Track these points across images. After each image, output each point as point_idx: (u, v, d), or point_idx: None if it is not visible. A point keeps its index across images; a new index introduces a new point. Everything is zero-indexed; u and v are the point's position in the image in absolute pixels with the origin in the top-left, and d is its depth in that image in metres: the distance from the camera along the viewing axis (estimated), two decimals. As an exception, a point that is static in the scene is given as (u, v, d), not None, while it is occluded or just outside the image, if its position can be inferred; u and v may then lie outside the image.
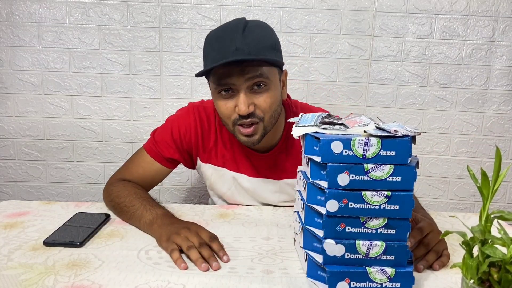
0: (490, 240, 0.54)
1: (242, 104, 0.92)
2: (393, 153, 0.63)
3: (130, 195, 0.97)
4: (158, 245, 0.82)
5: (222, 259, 0.76)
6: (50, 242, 0.80)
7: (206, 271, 0.72)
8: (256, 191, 1.10)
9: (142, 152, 1.10)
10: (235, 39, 0.90)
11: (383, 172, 0.63)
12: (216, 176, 1.11)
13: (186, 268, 0.73)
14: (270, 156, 1.08)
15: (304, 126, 0.71)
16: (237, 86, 0.92)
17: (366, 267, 0.65)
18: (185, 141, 1.08)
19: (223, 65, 0.89)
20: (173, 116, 1.13)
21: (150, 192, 1.05)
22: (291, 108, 1.11)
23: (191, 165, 1.14)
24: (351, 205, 0.64)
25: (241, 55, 0.88)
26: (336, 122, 0.72)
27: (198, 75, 0.94)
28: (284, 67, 1.04)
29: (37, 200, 1.55)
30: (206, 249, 0.76)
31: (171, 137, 1.08)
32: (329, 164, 0.64)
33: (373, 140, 0.63)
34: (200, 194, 1.76)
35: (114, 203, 0.99)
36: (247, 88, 0.93)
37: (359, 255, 0.65)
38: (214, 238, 0.80)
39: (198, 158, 1.11)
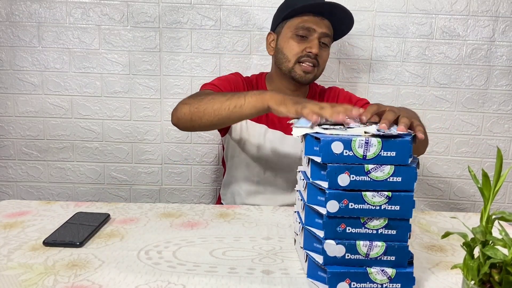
0: (491, 241, 0.54)
1: (316, 46, 1.16)
2: (393, 154, 0.63)
3: (215, 93, 1.05)
4: (276, 108, 0.85)
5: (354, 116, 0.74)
6: (50, 242, 0.80)
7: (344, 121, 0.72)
8: (281, 147, 1.24)
9: (203, 89, 1.17)
10: None
11: (383, 172, 0.63)
12: (250, 132, 1.25)
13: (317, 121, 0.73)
14: None
15: (302, 127, 0.71)
16: (315, 30, 1.16)
17: (367, 268, 0.65)
18: (236, 89, 1.22)
19: (311, 11, 1.15)
20: (222, 76, 1.27)
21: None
22: (313, 83, 1.34)
23: None
24: (351, 205, 0.64)
25: (335, 5, 1.15)
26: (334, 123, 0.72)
27: (288, 15, 1.18)
28: None
29: (37, 200, 1.55)
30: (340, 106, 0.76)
31: (228, 80, 1.22)
32: (329, 164, 0.64)
33: (374, 141, 0.63)
34: (200, 194, 1.76)
35: (199, 101, 0.99)
36: (320, 37, 1.17)
37: (360, 256, 0.65)
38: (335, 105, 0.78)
39: None
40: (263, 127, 1.25)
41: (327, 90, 1.35)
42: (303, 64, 1.18)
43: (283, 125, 1.25)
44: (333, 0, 1.19)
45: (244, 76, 1.32)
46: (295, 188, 0.82)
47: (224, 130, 1.30)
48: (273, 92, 0.90)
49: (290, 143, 1.25)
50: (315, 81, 1.32)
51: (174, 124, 1.08)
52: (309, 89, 1.32)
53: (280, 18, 1.23)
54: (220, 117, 0.96)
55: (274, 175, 1.25)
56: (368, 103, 1.27)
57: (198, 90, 1.17)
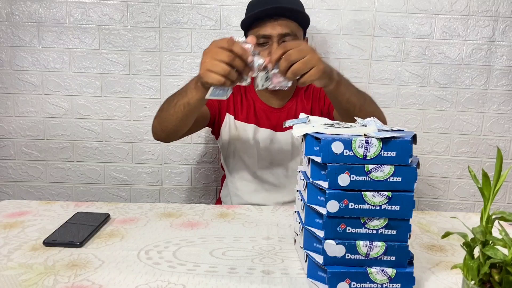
0: (491, 241, 0.54)
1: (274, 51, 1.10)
2: (393, 154, 0.63)
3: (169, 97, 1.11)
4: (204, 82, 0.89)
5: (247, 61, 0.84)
6: (50, 242, 0.80)
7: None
8: (272, 145, 1.26)
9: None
10: None
11: (383, 172, 0.63)
12: (240, 132, 1.26)
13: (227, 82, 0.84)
14: (283, 110, 1.27)
15: (301, 123, 0.72)
16: (272, 36, 1.15)
17: (367, 268, 0.65)
18: None
19: (262, 17, 1.14)
20: None
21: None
22: None
23: (218, 119, 1.28)
24: (351, 205, 0.64)
25: (280, 3, 1.13)
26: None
27: (243, 25, 1.20)
28: None
29: (37, 200, 1.55)
30: (238, 61, 0.84)
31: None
32: (329, 164, 0.64)
33: (374, 141, 0.63)
34: (200, 194, 1.76)
35: (159, 115, 1.11)
36: (279, 40, 1.15)
37: (360, 256, 0.65)
38: (232, 41, 0.85)
39: (227, 114, 1.28)
40: (252, 126, 1.26)
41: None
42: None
43: (272, 123, 1.27)
44: (283, 2, 1.17)
45: None
46: (295, 187, 0.82)
47: (216, 134, 1.32)
48: (199, 78, 0.92)
49: (281, 139, 1.26)
50: None
51: (157, 140, 1.17)
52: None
53: (245, 30, 1.25)
54: (179, 119, 1.04)
55: (268, 172, 1.26)
56: None
57: None
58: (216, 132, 1.32)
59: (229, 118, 1.28)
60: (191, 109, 1.01)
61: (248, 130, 1.26)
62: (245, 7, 1.67)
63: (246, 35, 1.26)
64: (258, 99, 1.29)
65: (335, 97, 0.99)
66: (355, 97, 0.99)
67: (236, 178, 1.30)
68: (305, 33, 1.27)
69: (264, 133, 1.26)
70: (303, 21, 1.22)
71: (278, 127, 1.27)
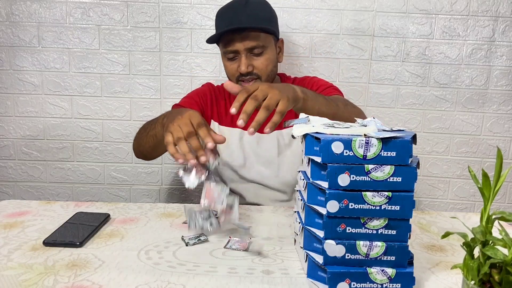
0: (491, 241, 0.54)
1: (243, 65, 1.16)
2: (393, 154, 0.63)
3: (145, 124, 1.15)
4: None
5: (207, 145, 0.81)
6: (50, 242, 0.80)
7: (192, 164, 0.80)
8: (258, 147, 1.25)
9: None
10: (237, 12, 1.15)
11: (383, 172, 0.63)
12: (226, 136, 1.22)
13: (180, 160, 0.80)
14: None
15: (301, 123, 0.72)
16: (239, 51, 1.16)
17: (367, 268, 0.65)
18: (202, 100, 1.28)
19: (228, 32, 1.14)
20: (193, 90, 1.34)
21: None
22: (286, 77, 1.36)
23: None
24: (351, 205, 0.64)
25: (241, 24, 1.13)
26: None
27: (209, 41, 1.20)
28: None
29: (37, 200, 1.55)
30: (193, 140, 0.82)
31: (192, 97, 1.28)
32: (329, 164, 0.64)
33: (374, 141, 0.63)
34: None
35: (137, 137, 1.17)
36: (247, 52, 1.16)
37: (360, 256, 0.65)
38: (201, 124, 0.84)
39: (212, 121, 1.29)
40: (237, 130, 1.26)
41: (300, 80, 1.34)
42: (243, 83, 1.19)
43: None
44: (246, 19, 1.14)
45: (217, 85, 1.35)
46: (295, 188, 0.82)
47: None
48: (170, 114, 0.96)
49: (267, 140, 1.25)
50: (286, 74, 1.37)
51: (138, 158, 1.26)
52: (280, 81, 1.33)
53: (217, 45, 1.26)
54: (151, 147, 1.10)
55: (255, 172, 1.25)
56: (331, 86, 1.25)
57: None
58: None
59: (214, 125, 1.28)
60: (158, 142, 1.04)
61: (233, 134, 1.26)
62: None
63: (218, 44, 1.25)
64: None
65: (305, 112, 0.97)
66: (325, 107, 0.96)
67: (227, 181, 1.29)
68: (277, 36, 1.24)
69: (250, 136, 1.25)
70: (269, 22, 1.20)
71: (262, 128, 1.25)
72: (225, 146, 1.25)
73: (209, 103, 1.29)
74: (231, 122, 1.27)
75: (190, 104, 1.25)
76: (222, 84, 1.31)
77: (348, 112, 1.03)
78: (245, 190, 1.27)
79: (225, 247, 0.81)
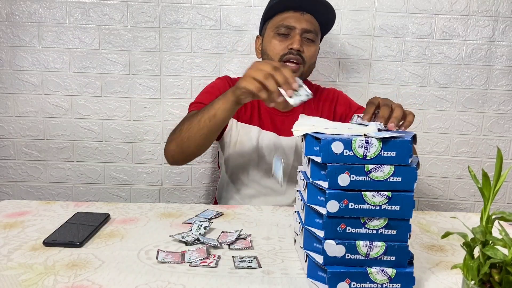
0: (491, 241, 0.54)
1: (296, 42, 1.14)
2: (393, 154, 0.63)
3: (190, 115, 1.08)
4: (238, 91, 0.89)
5: (292, 86, 0.83)
6: (50, 242, 0.80)
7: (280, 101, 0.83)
8: (275, 146, 1.24)
9: (190, 111, 1.21)
10: None
11: (383, 172, 0.63)
12: (244, 134, 1.24)
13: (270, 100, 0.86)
14: (289, 114, 1.25)
15: (302, 126, 0.72)
16: (295, 28, 1.14)
17: (367, 268, 0.65)
18: (221, 92, 1.20)
19: (292, 6, 1.14)
20: (207, 86, 1.30)
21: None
22: (308, 83, 1.33)
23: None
24: (351, 205, 0.64)
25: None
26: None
27: (269, 9, 1.18)
28: None
29: (37, 200, 1.55)
30: (279, 73, 0.84)
31: (211, 92, 1.23)
32: (329, 164, 0.64)
33: (374, 141, 0.63)
34: (200, 194, 1.76)
35: (179, 132, 1.06)
36: (302, 34, 1.15)
37: (360, 256, 0.65)
38: (284, 65, 0.87)
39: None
40: (256, 128, 1.24)
41: (325, 91, 1.34)
42: (288, 63, 1.16)
43: (277, 127, 1.25)
44: None
45: (234, 77, 1.32)
46: (295, 189, 0.82)
47: (219, 135, 1.29)
48: (232, 88, 0.94)
49: (284, 144, 1.24)
50: (309, 79, 1.32)
51: (172, 164, 1.16)
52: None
53: (263, 20, 1.24)
54: (204, 135, 1.02)
55: (267, 177, 1.25)
56: (361, 108, 1.27)
57: (187, 112, 1.20)
58: (218, 135, 1.29)
59: (232, 122, 1.26)
60: (216, 122, 0.99)
61: (251, 132, 1.24)
62: (246, 7, 1.67)
63: (263, 27, 1.25)
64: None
65: None
66: None
67: (235, 181, 1.29)
68: (320, 39, 1.26)
69: (267, 136, 1.24)
70: (325, 24, 1.23)
71: (282, 131, 1.25)
72: (242, 143, 1.25)
73: None
74: (249, 119, 1.25)
75: (210, 99, 1.20)
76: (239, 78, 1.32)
77: None
78: (253, 196, 1.27)
79: (230, 248, 0.81)
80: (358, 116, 0.84)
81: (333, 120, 1.27)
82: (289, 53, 1.15)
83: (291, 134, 1.23)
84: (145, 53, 1.64)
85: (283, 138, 1.24)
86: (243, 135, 1.25)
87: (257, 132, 1.24)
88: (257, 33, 1.31)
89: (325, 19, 1.22)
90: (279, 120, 1.26)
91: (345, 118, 1.27)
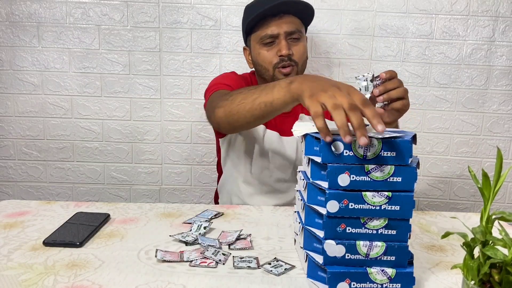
0: (491, 241, 0.54)
1: (284, 47, 1.14)
2: (393, 154, 0.63)
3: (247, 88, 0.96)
4: (306, 101, 0.71)
5: (376, 128, 0.61)
6: (50, 242, 0.80)
7: (349, 142, 0.61)
8: (277, 148, 1.24)
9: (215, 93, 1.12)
10: None
11: (383, 172, 0.63)
12: (248, 133, 1.23)
13: (331, 141, 0.63)
14: (290, 114, 1.22)
15: (304, 123, 0.72)
16: (279, 34, 1.15)
17: (367, 268, 0.65)
18: (237, 84, 1.19)
19: (268, 16, 1.13)
20: (220, 75, 1.27)
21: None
22: None
23: None
24: (351, 205, 0.64)
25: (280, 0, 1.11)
26: None
27: (248, 24, 1.17)
28: None
29: (37, 200, 1.55)
30: (357, 114, 0.63)
31: (232, 78, 1.23)
32: (329, 164, 0.64)
33: (374, 141, 0.63)
34: (200, 194, 1.76)
35: (231, 102, 0.96)
36: (286, 37, 1.15)
37: (360, 256, 0.65)
38: (367, 103, 0.65)
39: None
40: (261, 127, 1.24)
41: None
42: (282, 69, 1.16)
43: (278, 126, 1.25)
44: None
45: (238, 74, 1.32)
46: (294, 188, 0.82)
47: (222, 133, 1.28)
48: (299, 81, 0.78)
49: (286, 145, 1.24)
50: None
51: (216, 129, 1.16)
52: None
53: (245, 34, 1.24)
54: (255, 116, 0.93)
55: (269, 175, 1.25)
56: None
57: (212, 94, 1.13)
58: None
59: None
60: (271, 111, 0.90)
61: (257, 130, 1.24)
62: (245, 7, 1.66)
63: (247, 39, 1.25)
64: None
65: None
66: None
67: (236, 179, 1.29)
68: (306, 30, 1.26)
69: (271, 135, 1.24)
70: (306, 17, 1.22)
71: (283, 131, 1.25)
72: (249, 142, 1.25)
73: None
74: None
75: (234, 83, 1.18)
76: (245, 74, 1.32)
77: None
78: (253, 194, 1.27)
79: (230, 248, 0.81)
80: (373, 77, 0.89)
81: None
82: (281, 61, 1.16)
83: (291, 134, 1.23)
84: (145, 53, 1.64)
85: (284, 138, 1.25)
86: (249, 133, 1.25)
87: (263, 130, 1.24)
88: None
89: (304, 15, 1.21)
90: (281, 120, 1.26)
91: None
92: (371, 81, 0.87)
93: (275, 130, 1.25)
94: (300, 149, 1.25)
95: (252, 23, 1.17)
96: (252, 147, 1.25)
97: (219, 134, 1.31)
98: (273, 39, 1.16)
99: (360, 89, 0.85)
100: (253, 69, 1.27)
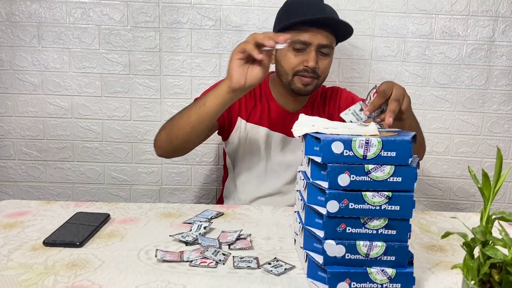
0: (491, 241, 0.54)
1: (312, 60, 1.13)
2: (393, 154, 0.63)
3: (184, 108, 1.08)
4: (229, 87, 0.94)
5: (267, 44, 0.86)
6: (50, 242, 0.80)
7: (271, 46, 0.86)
8: (283, 149, 1.25)
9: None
10: (319, 3, 1.17)
11: (383, 172, 0.63)
12: (253, 135, 1.25)
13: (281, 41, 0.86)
14: (298, 115, 1.20)
15: (308, 122, 0.72)
16: (311, 44, 1.13)
17: (367, 268, 0.65)
18: None
19: (308, 22, 1.11)
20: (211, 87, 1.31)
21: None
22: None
23: (228, 128, 1.25)
24: (351, 205, 0.64)
25: (332, 15, 1.14)
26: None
27: (282, 28, 1.15)
28: None
29: (37, 200, 1.55)
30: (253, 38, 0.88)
31: (210, 89, 1.20)
32: (329, 164, 0.64)
33: (374, 141, 0.63)
34: (200, 194, 1.76)
35: (170, 121, 1.09)
36: (317, 49, 1.14)
37: (360, 256, 0.65)
38: (261, 36, 0.88)
39: (239, 118, 1.25)
40: (265, 130, 1.25)
41: (329, 90, 1.35)
42: (302, 77, 1.16)
43: (287, 128, 1.24)
44: (329, 13, 1.16)
45: None
46: (295, 189, 0.82)
47: (225, 135, 1.28)
48: (226, 80, 0.96)
49: (294, 145, 1.25)
50: None
51: (160, 156, 1.17)
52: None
53: (277, 29, 1.21)
54: (192, 124, 1.03)
55: (276, 177, 1.25)
56: None
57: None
58: (225, 135, 1.29)
59: (240, 122, 1.25)
60: (206, 111, 1.00)
61: (260, 132, 1.24)
62: (246, 7, 1.66)
63: (278, 30, 1.21)
64: (274, 102, 1.27)
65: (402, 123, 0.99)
66: (416, 127, 1.01)
67: (242, 182, 1.28)
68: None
69: (276, 137, 1.25)
70: (342, 36, 1.23)
71: (291, 132, 1.25)
72: (251, 144, 1.25)
73: (237, 100, 1.25)
74: (259, 120, 1.25)
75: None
76: None
77: (421, 142, 1.08)
78: (260, 196, 1.27)
79: (230, 248, 0.81)
80: (365, 103, 0.85)
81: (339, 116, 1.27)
82: (304, 70, 1.14)
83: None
84: (145, 53, 1.64)
85: (291, 139, 1.25)
86: (252, 136, 1.25)
87: (266, 133, 1.24)
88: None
89: (341, 33, 1.21)
90: (289, 121, 1.24)
91: None
92: (360, 110, 0.86)
93: (282, 132, 1.25)
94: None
95: (290, 24, 1.15)
96: (256, 150, 1.25)
97: (223, 135, 1.30)
98: (304, 47, 1.14)
99: (351, 121, 0.84)
100: (272, 63, 1.25)
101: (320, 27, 1.13)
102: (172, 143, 1.09)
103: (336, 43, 1.24)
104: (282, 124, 1.25)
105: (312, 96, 1.30)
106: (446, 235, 0.57)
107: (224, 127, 1.26)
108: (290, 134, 1.24)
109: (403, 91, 0.90)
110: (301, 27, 1.13)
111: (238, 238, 0.84)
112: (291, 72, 1.16)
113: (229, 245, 0.81)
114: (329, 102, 1.31)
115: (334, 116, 1.28)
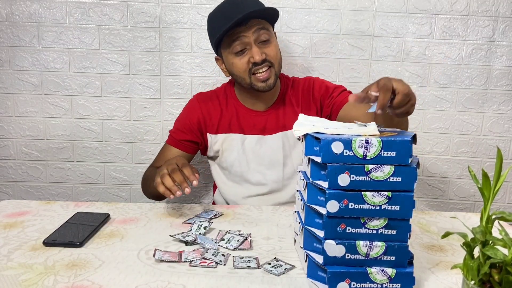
0: (491, 241, 0.54)
1: (256, 54, 1.13)
2: (393, 154, 0.63)
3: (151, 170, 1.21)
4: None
5: (192, 182, 0.92)
6: (49, 242, 0.80)
7: (179, 196, 0.91)
8: (261, 149, 1.25)
9: (164, 145, 1.32)
10: (237, 3, 1.15)
11: (383, 172, 0.63)
12: (226, 144, 1.26)
13: (169, 195, 0.92)
14: (270, 112, 1.26)
15: (306, 123, 0.72)
16: (248, 42, 1.13)
17: (367, 268, 0.65)
18: (193, 120, 1.27)
19: (233, 27, 1.10)
20: (182, 111, 1.35)
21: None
22: (284, 76, 1.33)
23: (204, 146, 1.30)
24: (351, 205, 0.64)
25: (250, 9, 1.10)
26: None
27: (215, 41, 1.18)
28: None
29: (37, 200, 1.55)
30: (178, 175, 0.93)
31: (182, 122, 1.29)
32: (329, 164, 0.64)
33: (374, 141, 0.63)
34: (200, 194, 1.76)
35: (142, 182, 1.24)
36: (256, 42, 1.14)
37: (360, 256, 0.65)
38: (185, 165, 0.96)
39: (208, 134, 1.27)
40: (237, 136, 1.25)
41: (301, 81, 1.32)
42: (258, 75, 1.16)
43: (259, 127, 1.26)
44: (247, 7, 1.13)
45: (209, 90, 1.34)
46: (293, 187, 0.82)
47: (203, 150, 1.32)
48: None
49: (271, 143, 1.25)
50: (285, 74, 1.34)
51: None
52: (280, 85, 1.29)
53: (215, 46, 1.23)
54: (157, 197, 1.19)
55: (261, 176, 1.25)
56: (344, 90, 1.26)
57: (166, 140, 1.31)
58: (202, 151, 1.33)
59: (211, 138, 1.27)
60: (159, 195, 1.00)
61: (233, 140, 1.25)
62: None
63: (217, 50, 1.24)
64: (242, 106, 1.27)
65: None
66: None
67: (229, 187, 1.29)
68: (273, 27, 1.24)
69: (251, 140, 1.25)
70: (272, 17, 1.20)
71: (266, 130, 1.25)
72: (228, 152, 1.26)
73: (201, 119, 1.27)
74: (228, 127, 1.26)
75: (182, 133, 1.27)
76: (216, 89, 1.34)
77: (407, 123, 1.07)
78: (250, 197, 1.27)
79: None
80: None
81: (315, 106, 1.26)
82: (255, 66, 1.15)
83: (274, 132, 1.25)
84: (145, 53, 1.64)
85: (268, 136, 1.25)
86: (226, 145, 1.26)
87: (240, 138, 1.25)
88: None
89: (269, 16, 1.19)
90: (261, 120, 1.26)
91: (323, 101, 1.26)
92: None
93: (256, 133, 1.26)
94: (287, 144, 1.25)
95: (219, 37, 1.15)
96: (234, 157, 1.26)
97: (201, 151, 1.33)
98: (243, 46, 1.14)
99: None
100: (228, 77, 1.27)
101: (247, 23, 1.13)
102: (148, 195, 1.24)
103: (273, 24, 1.23)
104: (254, 125, 1.25)
105: (282, 89, 1.29)
106: (446, 235, 0.57)
107: (201, 150, 1.32)
108: (265, 133, 1.25)
109: (408, 87, 0.83)
110: (232, 33, 1.13)
111: (240, 244, 0.82)
112: (246, 75, 1.17)
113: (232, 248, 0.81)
114: (303, 93, 1.29)
115: (310, 106, 1.26)
